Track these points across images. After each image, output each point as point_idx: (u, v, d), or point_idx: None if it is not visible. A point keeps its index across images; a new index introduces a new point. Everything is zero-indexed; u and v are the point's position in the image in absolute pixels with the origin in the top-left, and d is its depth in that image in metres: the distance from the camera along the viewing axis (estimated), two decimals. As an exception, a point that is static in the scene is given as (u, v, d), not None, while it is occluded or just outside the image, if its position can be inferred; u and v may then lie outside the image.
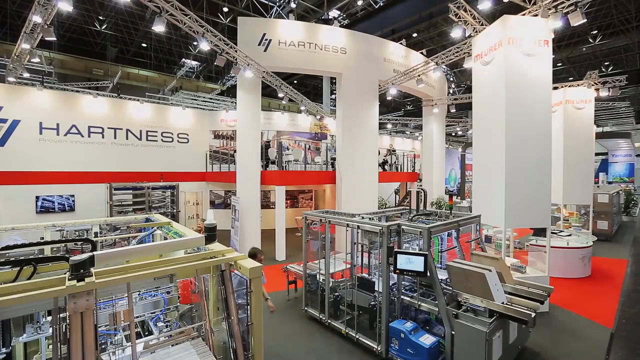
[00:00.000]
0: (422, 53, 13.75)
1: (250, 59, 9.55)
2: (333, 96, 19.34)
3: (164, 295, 3.72)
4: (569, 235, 9.53)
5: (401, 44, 12.92)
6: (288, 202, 15.81)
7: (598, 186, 15.71)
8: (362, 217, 5.15)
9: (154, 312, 3.60)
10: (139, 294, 3.55)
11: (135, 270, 2.18)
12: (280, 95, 11.97)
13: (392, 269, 4.41)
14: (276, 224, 10.45)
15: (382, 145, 17.04)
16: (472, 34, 7.64)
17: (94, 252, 2.05)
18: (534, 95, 6.46)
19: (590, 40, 17.66)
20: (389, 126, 22.30)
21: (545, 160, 6.45)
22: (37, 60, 9.31)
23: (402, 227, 4.68)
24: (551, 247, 6.84)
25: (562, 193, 11.01)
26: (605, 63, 20.62)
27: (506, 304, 4.14)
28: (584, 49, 18.71)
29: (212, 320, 2.65)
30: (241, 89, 10.41)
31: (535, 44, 6.47)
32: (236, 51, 9.17)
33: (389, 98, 12.76)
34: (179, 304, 3.74)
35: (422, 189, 5.92)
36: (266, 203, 15.50)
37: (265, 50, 10.38)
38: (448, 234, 5.40)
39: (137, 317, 3.52)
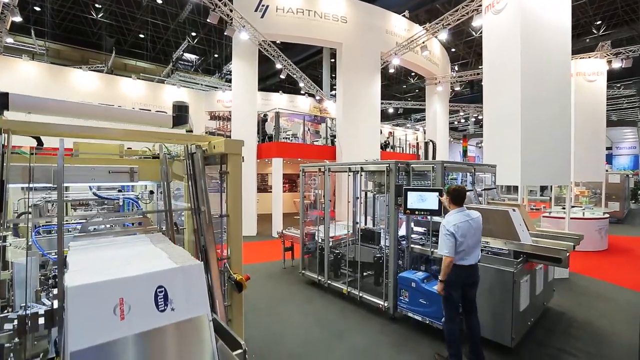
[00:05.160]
0: (425, 28, 13.21)
1: (246, 20, 9.01)
2: (333, 92, 18.80)
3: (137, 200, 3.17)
4: (584, 209, 9.00)
5: (404, 16, 12.40)
6: (286, 186, 15.23)
7: (607, 170, 15.20)
8: (366, 160, 4.61)
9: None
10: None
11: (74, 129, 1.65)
12: (278, 66, 11.41)
13: (402, 210, 3.88)
14: (273, 197, 9.93)
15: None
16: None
17: (11, 92, 1.50)
18: (551, 42, 5.94)
19: (594, 31, 17.15)
20: (391, 110, 21.76)
21: (564, 112, 5.94)
22: (19, 19, 8.71)
23: (412, 165, 4.14)
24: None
25: (573, 170, 10.45)
26: (608, 56, 20.09)
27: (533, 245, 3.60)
28: (587, 40, 18.18)
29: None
30: (237, 56, 9.87)
31: (553, -15, 5.95)
32: (231, 10, 8.64)
33: (391, 71, 12.22)
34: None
35: (430, 140, 5.38)
36: (264, 187, 14.92)
37: (262, 17, 9.84)
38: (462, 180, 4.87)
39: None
